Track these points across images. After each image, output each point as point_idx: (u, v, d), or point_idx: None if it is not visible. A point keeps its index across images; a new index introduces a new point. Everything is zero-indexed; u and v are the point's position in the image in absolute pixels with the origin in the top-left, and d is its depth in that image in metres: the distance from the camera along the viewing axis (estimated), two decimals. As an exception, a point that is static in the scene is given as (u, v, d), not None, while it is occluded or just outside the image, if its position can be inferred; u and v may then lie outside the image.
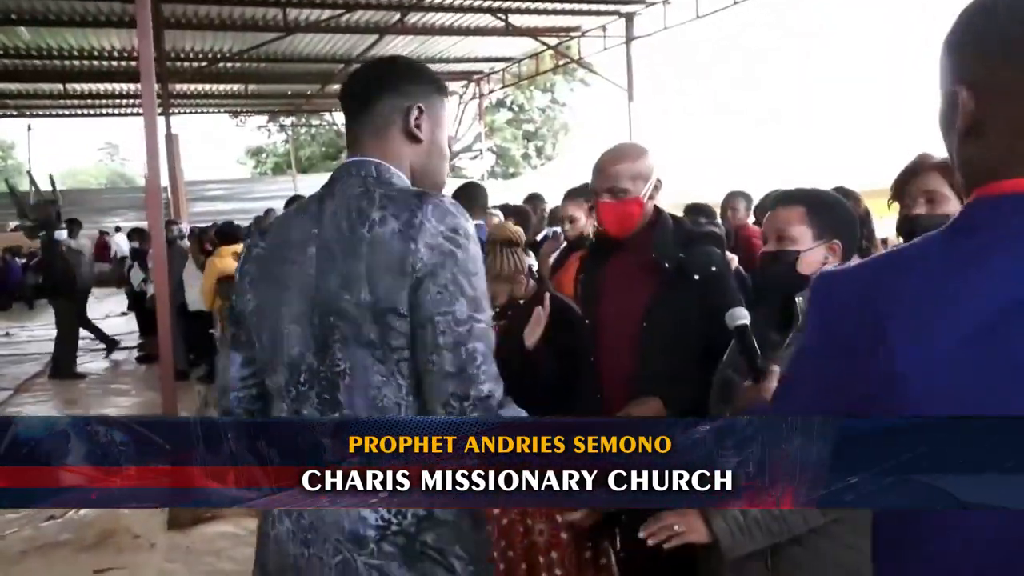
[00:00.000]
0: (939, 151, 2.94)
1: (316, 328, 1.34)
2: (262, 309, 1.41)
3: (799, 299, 1.73)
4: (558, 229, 5.21)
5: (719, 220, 5.26)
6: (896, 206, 2.30)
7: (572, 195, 3.88)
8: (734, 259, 3.69)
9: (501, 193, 10.31)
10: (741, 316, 1.67)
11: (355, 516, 1.30)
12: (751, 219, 5.27)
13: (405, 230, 1.28)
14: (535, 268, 2.88)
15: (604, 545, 2.65)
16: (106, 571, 3.82)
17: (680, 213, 2.49)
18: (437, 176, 1.51)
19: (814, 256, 1.76)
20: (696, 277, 2.14)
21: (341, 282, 1.31)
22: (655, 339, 2.14)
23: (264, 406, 1.51)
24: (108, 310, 15.10)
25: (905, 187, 2.05)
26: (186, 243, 8.31)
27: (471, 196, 3.80)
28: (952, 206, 2.00)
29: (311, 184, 10.15)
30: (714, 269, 2.16)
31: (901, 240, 2.19)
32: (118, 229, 18.06)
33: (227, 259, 6.51)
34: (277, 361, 1.39)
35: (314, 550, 1.33)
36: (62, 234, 8.35)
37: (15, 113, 19.22)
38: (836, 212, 1.80)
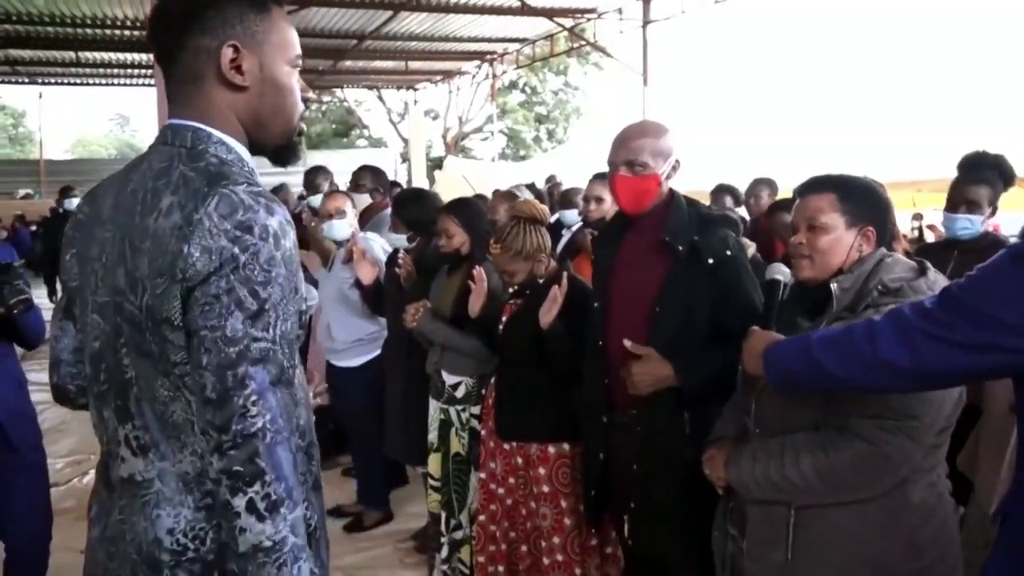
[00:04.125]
0: (967, 146, 2.88)
1: (111, 325, 1.16)
2: (80, 288, 1.23)
3: (834, 285, 1.69)
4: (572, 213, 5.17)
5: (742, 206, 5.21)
6: (919, 198, 2.26)
7: (601, 176, 3.77)
8: (752, 245, 3.65)
9: (512, 175, 10.23)
10: (779, 272, 1.80)
11: (151, 537, 1.14)
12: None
13: (184, 226, 1.06)
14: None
15: (610, 533, 2.63)
16: (108, 540, 3.83)
17: (701, 199, 2.43)
18: (283, 116, 1.23)
19: (846, 242, 1.71)
20: (710, 261, 2.10)
21: (128, 281, 1.12)
22: (666, 322, 2.11)
23: None
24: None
25: None
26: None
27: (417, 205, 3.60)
28: None
29: (319, 160, 10.15)
30: (728, 253, 2.12)
31: None
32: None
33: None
34: (86, 351, 1.23)
35: (115, 564, 1.19)
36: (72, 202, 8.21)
37: (27, 80, 19.15)
38: (868, 197, 1.75)
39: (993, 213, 2.81)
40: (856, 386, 1.40)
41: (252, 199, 1.08)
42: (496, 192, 5.46)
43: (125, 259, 1.12)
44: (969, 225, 2.76)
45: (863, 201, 1.74)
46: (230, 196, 1.07)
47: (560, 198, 5.57)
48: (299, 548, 1.09)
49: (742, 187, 5.35)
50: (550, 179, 7.69)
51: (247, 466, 1.05)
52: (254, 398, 1.06)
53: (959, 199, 2.79)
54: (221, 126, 1.18)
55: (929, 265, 1.71)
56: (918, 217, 6.76)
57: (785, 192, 5.07)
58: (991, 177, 2.78)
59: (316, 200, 4.63)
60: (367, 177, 4.67)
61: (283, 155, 1.27)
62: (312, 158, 22.90)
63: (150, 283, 1.09)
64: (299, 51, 1.25)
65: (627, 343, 2.09)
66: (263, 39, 1.18)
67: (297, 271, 1.14)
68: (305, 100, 1.27)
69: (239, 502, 1.06)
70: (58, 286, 6.86)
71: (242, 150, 1.21)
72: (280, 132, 1.24)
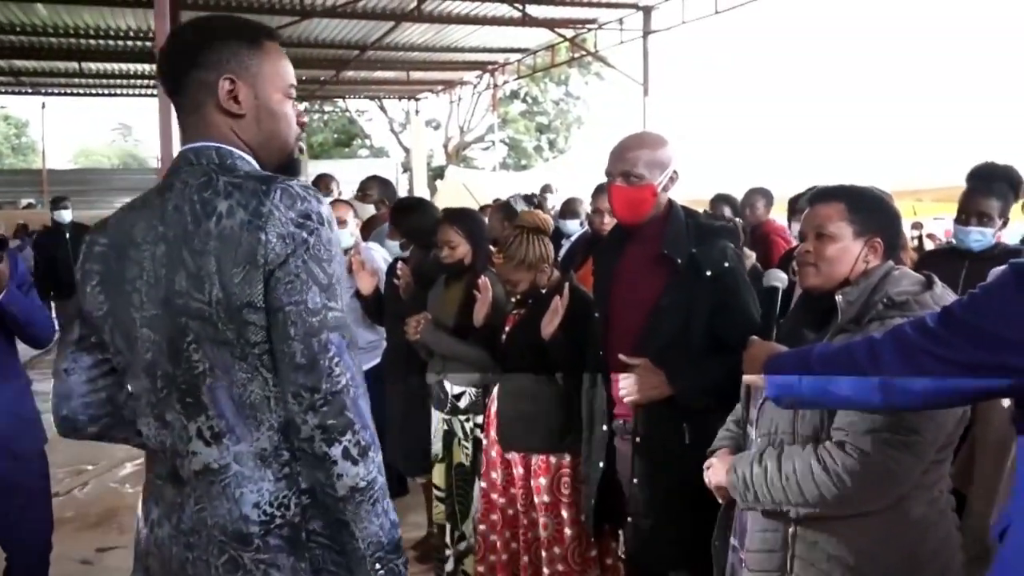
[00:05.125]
0: (971, 157, 2.89)
1: (168, 332, 1.26)
2: (114, 312, 1.32)
3: (839, 297, 1.68)
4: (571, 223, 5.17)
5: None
6: (920, 208, 2.25)
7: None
8: (752, 255, 3.65)
9: (513, 185, 10.25)
10: (776, 279, 1.78)
11: (236, 515, 1.26)
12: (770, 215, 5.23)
13: (254, 219, 1.20)
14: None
15: (611, 544, 2.63)
16: (109, 550, 3.83)
17: (699, 209, 2.43)
18: (278, 140, 1.37)
19: (853, 252, 1.71)
20: (708, 273, 2.10)
21: (191, 282, 1.23)
22: (661, 333, 2.11)
23: (114, 411, 1.44)
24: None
25: None
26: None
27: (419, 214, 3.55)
28: None
29: (322, 169, 10.17)
30: (727, 265, 2.12)
31: None
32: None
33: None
34: (136, 367, 1.32)
35: (199, 553, 1.28)
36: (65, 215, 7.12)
37: (30, 91, 19.20)
38: (877, 209, 1.74)
39: (1005, 224, 2.79)
40: (856, 404, 1.39)
41: (303, 191, 1.24)
42: (491, 206, 5.45)
43: (184, 264, 1.24)
44: (981, 238, 2.74)
45: (872, 212, 1.73)
46: (288, 189, 1.23)
47: (561, 208, 5.58)
48: (384, 487, 1.26)
49: (742, 197, 5.35)
50: (544, 188, 7.65)
51: (339, 419, 1.21)
52: (336, 359, 1.22)
53: (971, 211, 2.75)
54: (232, 146, 1.32)
55: (936, 279, 1.69)
56: (918, 226, 6.77)
57: (781, 201, 5.08)
58: (1002, 189, 2.75)
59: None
60: (374, 187, 4.68)
61: (284, 173, 1.39)
62: (314, 167, 22.94)
63: (224, 275, 1.21)
64: (292, 80, 1.39)
65: (621, 356, 2.10)
66: (257, 71, 1.33)
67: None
68: (300, 125, 1.42)
69: (335, 451, 1.21)
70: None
71: (256, 164, 1.34)
72: (278, 152, 1.38)
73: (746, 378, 1.66)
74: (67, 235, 7.00)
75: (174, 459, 1.31)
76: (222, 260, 1.21)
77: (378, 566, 1.24)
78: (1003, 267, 1.18)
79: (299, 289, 1.21)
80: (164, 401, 1.30)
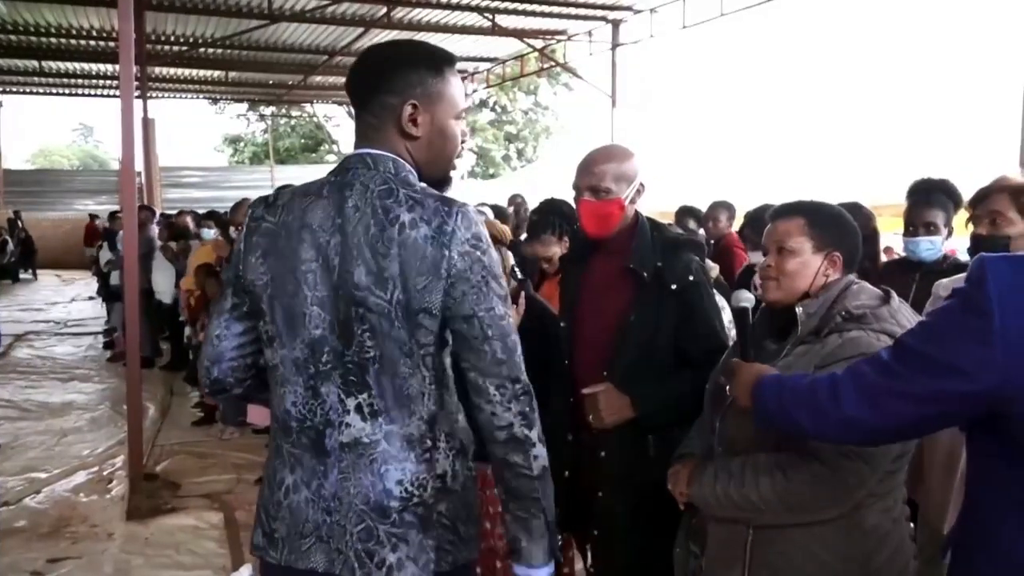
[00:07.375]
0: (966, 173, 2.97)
1: (341, 316, 1.37)
2: (277, 284, 1.42)
3: (799, 309, 1.71)
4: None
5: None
6: (879, 223, 2.31)
7: (542, 230, 3.26)
8: (715, 268, 3.68)
9: (481, 193, 10.28)
10: (745, 299, 1.71)
11: (380, 490, 1.38)
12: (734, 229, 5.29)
13: (438, 236, 1.34)
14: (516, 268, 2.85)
15: (569, 553, 2.62)
16: (61, 560, 3.73)
17: (667, 220, 2.45)
18: (443, 162, 1.50)
19: (812, 266, 1.74)
20: (673, 287, 2.11)
21: (373, 280, 1.34)
22: (627, 348, 2.12)
23: (257, 375, 1.53)
24: (76, 293, 14.83)
25: (975, 208, 2.09)
26: (155, 228, 8.15)
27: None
28: (1016, 227, 2.02)
29: (289, 175, 10.01)
30: (691, 279, 2.14)
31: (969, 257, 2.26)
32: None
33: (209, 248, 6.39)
34: (294, 336, 1.41)
35: (336, 518, 1.40)
36: None
37: (-13, 88, 18.79)
38: (836, 224, 1.77)
39: (950, 234, 2.89)
40: (828, 440, 1.42)
41: (475, 215, 1.39)
42: None
43: (365, 262, 1.35)
44: (931, 246, 2.84)
45: (831, 227, 1.76)
46: (466, 213, 1.37)
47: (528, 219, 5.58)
48: None
49: (705, 210, 5.42)
50: (513, 199, 7.63)
51: (530, 405, 1.40)
52: (519, 357, 1.40)
53: (917, 223, 2.86)
54: (403, 159, 1.45)
55: (893, 293, 1.73)
56: (878, 241, 6.88)
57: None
58: (941, 200, 2.87)
59: None
60: None
61: (438, 187, 1.50)
62: (281, 172, 22.77)
63: (407, 280, 1.34)
64: (465, 105, 1.53)
65: (584, 390, 2.11)
66: (437, 98, 1.45)
67: None
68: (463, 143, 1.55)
69: (533, 434, 1.41)
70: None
71: (416, 178, 1.46)
72: (440, 171, 1.51)
73: (739, 402, 1.61)
74: None
75: (321, 429, 1.41)
76: (406, 267, 1.34)
77: (556, 537, 1.45)
78: (951, 297, 1.18)
79: (486, 298, 1.36)
80: (324, 374, 1.40)
